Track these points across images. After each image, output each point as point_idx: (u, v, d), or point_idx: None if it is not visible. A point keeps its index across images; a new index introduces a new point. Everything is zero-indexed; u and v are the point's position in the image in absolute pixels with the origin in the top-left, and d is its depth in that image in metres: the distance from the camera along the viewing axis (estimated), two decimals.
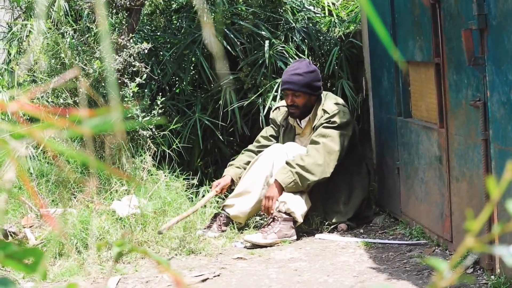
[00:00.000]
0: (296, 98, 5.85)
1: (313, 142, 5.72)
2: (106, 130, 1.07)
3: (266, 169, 5.76)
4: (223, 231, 5.67)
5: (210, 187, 6.05)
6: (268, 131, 6.15)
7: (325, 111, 5.77)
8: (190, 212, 5.54)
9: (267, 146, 6.02)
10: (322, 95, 5.89)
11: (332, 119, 5.73)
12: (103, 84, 6.02)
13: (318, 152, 5.65)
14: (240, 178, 5.88)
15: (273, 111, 6.20)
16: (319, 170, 5.61)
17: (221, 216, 5.73)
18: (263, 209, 5.67)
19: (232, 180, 5.91)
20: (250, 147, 6.17)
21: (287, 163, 5.64)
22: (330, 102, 5.81)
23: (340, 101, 5.90)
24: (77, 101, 5.94)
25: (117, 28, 6.27)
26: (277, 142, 6.06)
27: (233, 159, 6.21)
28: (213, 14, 6.79)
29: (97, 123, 1.06)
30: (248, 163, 5.96)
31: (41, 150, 5.97)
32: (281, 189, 5.62)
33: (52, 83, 5.73)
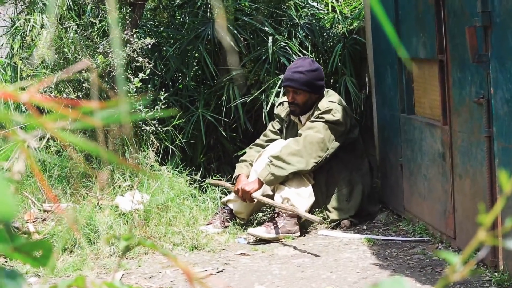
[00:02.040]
0: (296, 96, 5.82)
1: (298, 135, 5.72)
2: (115, 122, 1.06)
3: None
4: (226, 226, 5.67)
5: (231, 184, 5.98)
6: (275, 125, 6.14)
7: (318, 109, 5.76)
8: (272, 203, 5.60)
9: (274, 140, 6.01)
10: (324, 92, 5.87)
11: (320, 115, 5.72)
12: (106, 79, 6.01)
13: (296, 142, 5.64)
14: None
15: (277, 107, 6.19)
16: (296, 160, 5.58)
17: (224, 212, 5.73)
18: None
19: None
20: (258, 141, 6.14)
21: (268, 157, 5.66)
22: (325, 100, 5.79)
23: (337, 99, 5.84)
24: (80, 96, 5.93)
25: (120, 23, 6.27)
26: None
27: (240, 155, 6.19)
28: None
29: (107, 115, 1.06)
30: None
31: (44, 145, 5.96)
32: (260, 183, 5.63)
33: (55, 77, 5.73)
